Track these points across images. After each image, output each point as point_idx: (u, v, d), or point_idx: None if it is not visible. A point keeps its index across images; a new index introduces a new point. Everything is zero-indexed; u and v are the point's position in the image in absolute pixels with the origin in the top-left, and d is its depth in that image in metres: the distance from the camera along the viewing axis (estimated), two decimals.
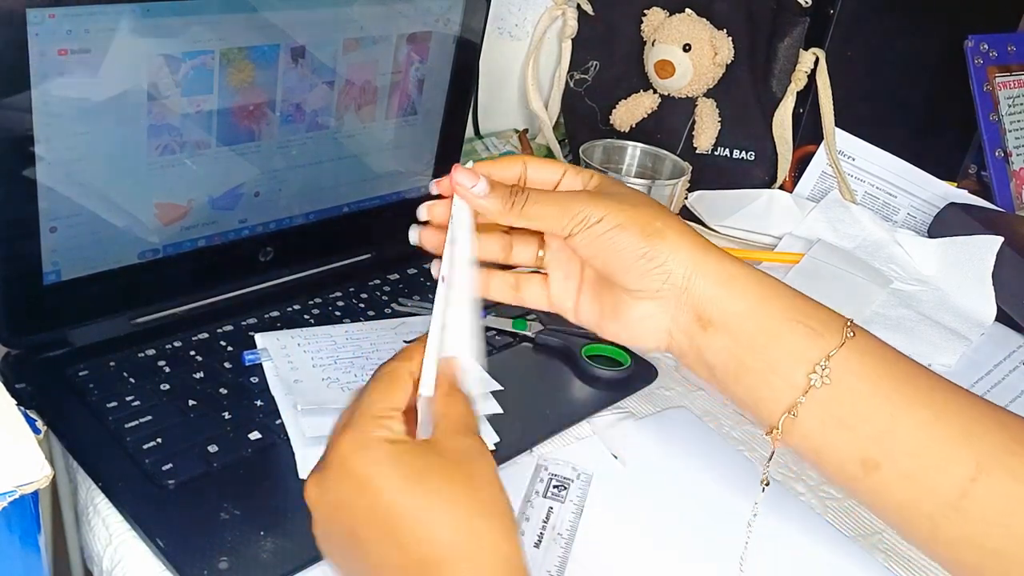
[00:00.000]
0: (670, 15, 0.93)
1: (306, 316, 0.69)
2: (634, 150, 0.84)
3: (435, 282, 0.46)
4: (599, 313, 0.50)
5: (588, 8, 0.97)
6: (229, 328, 0.66)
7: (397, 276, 0.76)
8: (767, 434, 0.46)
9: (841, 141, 0.96)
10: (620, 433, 0.63)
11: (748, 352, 0.45)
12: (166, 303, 0.66)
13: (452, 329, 0.44)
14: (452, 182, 0.46)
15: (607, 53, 0.98)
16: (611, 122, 0.96)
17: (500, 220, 0.47)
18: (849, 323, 0.45)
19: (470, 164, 0.48)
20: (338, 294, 0.72)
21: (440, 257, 0.48)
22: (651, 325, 0.47)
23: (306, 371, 0.60)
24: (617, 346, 0.70)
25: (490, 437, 0.59)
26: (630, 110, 0.95)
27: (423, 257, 0.79)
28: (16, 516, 0.45)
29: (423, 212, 0.49)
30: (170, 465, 0.53)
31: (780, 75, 0.94)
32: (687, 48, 0.91)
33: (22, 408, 0.48)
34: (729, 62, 0.93)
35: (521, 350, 0.70)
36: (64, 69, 0.53)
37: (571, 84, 0.99)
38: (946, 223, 0.91)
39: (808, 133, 0.97)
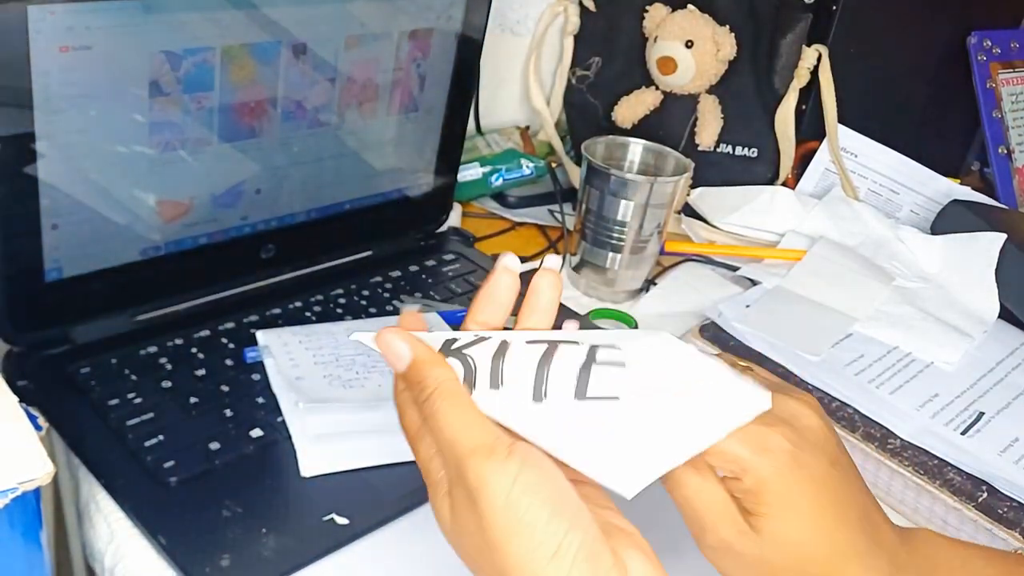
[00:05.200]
0: (672, 11, 0.93)
1: (308, 313, 0.69)
2: (636, 147, 0.84)
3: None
4: None
5: (590, 4, 0.97)
6: (230, 325, 0.66)
7: (399, 273, 0.76)
8: None
9: (844, 138, 0.96)
10: None
11: None
12: (168, 300, 0.66)
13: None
14: None
15: (609, 49, 0.98)
16: (613, 119, 0.96)
17: None
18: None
19: None
20: (340, 291, 0.72)
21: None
22: None
23: (307, 368, 0.60)
24: None
25: None
26: (632, 107, 0.95)
27: (424, 255, 0.80)
28: (18, 513, 0.44)
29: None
30: (172, 462, 0.53)
31: (783, 71, 0.93)
32: (689, 44, 0.90)
33: (24, 405, 0.48)
34: (731, 58, 0.93)
35: None
36: (65, 66, 0.53)
37: (573, 81, 0.99)
38: (949, 220, 0.90)
39: (811, 130, 0.97)
